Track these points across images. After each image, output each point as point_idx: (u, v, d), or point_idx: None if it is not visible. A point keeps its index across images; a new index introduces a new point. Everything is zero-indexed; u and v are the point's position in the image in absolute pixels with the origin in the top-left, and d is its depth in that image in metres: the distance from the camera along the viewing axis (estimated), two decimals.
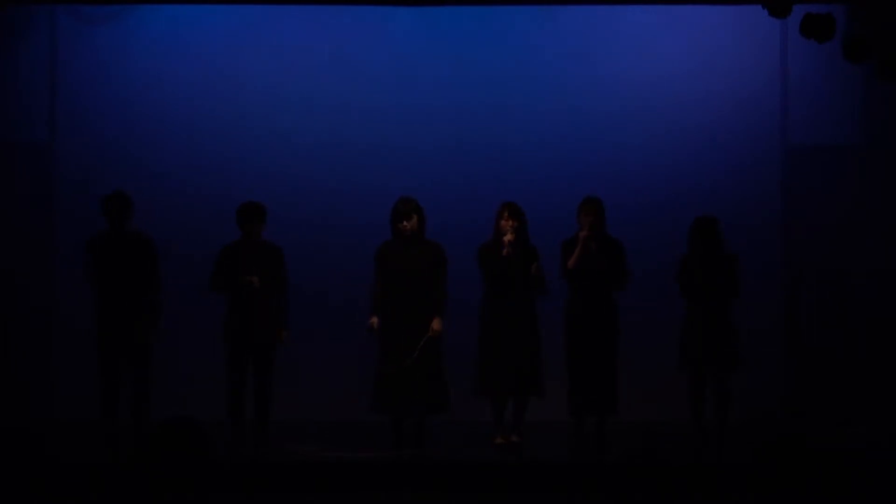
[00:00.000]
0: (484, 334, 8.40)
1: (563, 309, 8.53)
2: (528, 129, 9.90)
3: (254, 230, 8.42)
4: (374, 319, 8.34)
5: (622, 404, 8.53)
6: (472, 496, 7.48)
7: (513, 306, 8.34)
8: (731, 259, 8.55)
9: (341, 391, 9.53)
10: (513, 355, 8.30)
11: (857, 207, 9.77)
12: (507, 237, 8.30)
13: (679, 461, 7.65)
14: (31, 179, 9.83)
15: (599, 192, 8.60)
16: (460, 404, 8.37)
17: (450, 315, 8.38)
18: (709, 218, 8.54)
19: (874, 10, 8.70)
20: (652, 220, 9.63)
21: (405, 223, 8.36)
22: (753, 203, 9.81)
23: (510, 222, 8.34)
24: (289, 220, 9.25)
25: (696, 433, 8.50)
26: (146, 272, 8.41)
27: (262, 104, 9.90)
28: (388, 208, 8.42)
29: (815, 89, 9.84)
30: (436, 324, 8.30)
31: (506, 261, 8.30)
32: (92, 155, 9.81)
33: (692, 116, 9.88)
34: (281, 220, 8.87)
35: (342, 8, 9.73)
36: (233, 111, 9.89)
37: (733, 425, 8.53)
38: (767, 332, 9.68)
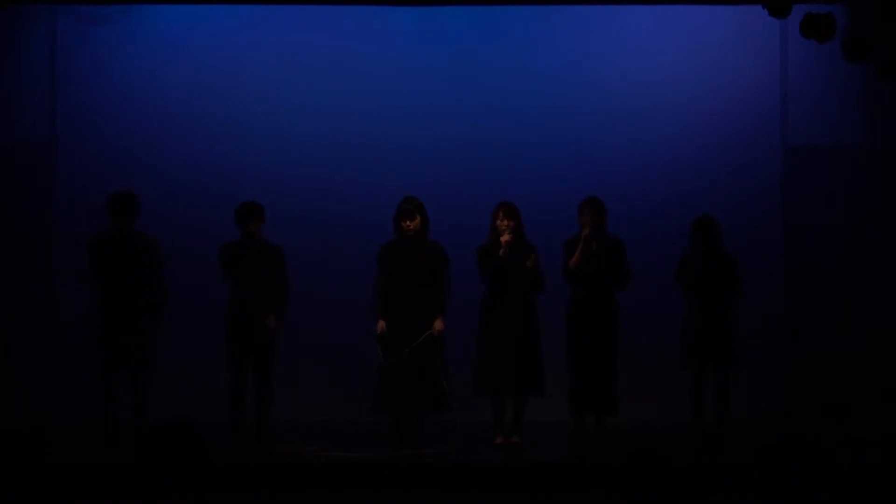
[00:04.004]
0: (483, 334, 8.39)
1: (564, 308, 8.54)
2: (527, 128, 9.90)
3: (252, 229, 8.40)
4: (382, 324, 8.33)
5: (622, 404, 8.53)
6: (472, 496, 7.47)
7: (512, 306, 8.33)
8: (731, 259, 8.56)
9: (341, 391, 9.53)
10: (513, 355, 8.29)
11: (857, 207, 9.77)
12: (505, 238, 8.28)
13: (679, 461, 7.64)
14: (32, 179, 9.83)
15: (599, 191, 8.61)
16: (460, 404, 8.36)
17: (450, 315, 8.37)
18: (709, 217, 8.54)
19: (874, 10, 8.71)
20: (652, 219, 9.63)
21: (408, 222, 8.35)
22: (753, 203, 9.81)
23: (506, 222, 8.33)
24: (289, 220, 9.25)
25: (696, 433, 8.50)
26: (149, 273, 8.38)
27: (262, 104, 9.90)
28: (389, 208, 8.42)
29: (814, 89, 9.84)
30: (438, 324, 8.28)
31: (503, 261, 8.29)
32: (92, 155, 9.81)
33: (692, 116, 9.89)
34: (281, 220, 8.86)
35: (342, 8, 9.74)
36: (233, 111, 9.89)
37: (733, 425, 8.53)
38: (767, 332, 9.68)
